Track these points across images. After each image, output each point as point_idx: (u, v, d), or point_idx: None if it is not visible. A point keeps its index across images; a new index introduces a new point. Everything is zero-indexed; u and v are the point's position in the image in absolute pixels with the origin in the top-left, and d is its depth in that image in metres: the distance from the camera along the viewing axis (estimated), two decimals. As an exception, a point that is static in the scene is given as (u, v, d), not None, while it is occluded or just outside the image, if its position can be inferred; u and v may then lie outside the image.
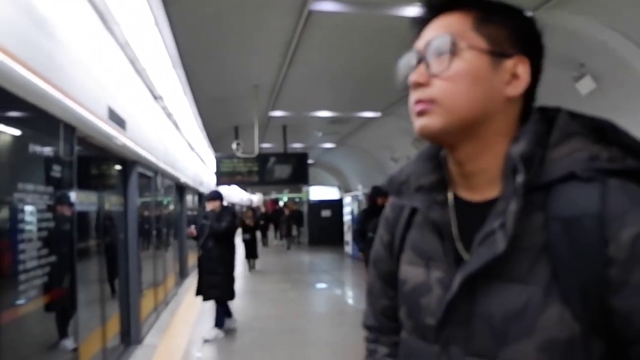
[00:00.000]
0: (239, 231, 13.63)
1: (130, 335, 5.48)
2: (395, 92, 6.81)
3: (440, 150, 0.93)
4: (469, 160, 0.84)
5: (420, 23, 0.86)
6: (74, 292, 3.28)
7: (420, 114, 0.81)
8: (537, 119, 0.81)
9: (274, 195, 39.77)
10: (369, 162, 15.00)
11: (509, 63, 0.80)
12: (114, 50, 4.46)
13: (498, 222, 0.75)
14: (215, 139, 12.24)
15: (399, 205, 1.00)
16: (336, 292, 9.85)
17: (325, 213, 18.68)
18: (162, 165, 6.86)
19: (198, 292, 6.04)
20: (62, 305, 3.19)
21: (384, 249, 1.02)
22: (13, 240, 2.44)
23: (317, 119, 10.68)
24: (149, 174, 6.41)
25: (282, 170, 10.11)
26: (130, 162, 5.46)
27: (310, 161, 12.39)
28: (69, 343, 3.26)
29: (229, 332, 6.11)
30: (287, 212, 19.69)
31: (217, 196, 6.24)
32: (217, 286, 5.83)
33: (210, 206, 6.12)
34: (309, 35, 5.53)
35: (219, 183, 10.08)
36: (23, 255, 2.51)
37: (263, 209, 30.07)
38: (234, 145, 9.51)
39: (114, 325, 5.09)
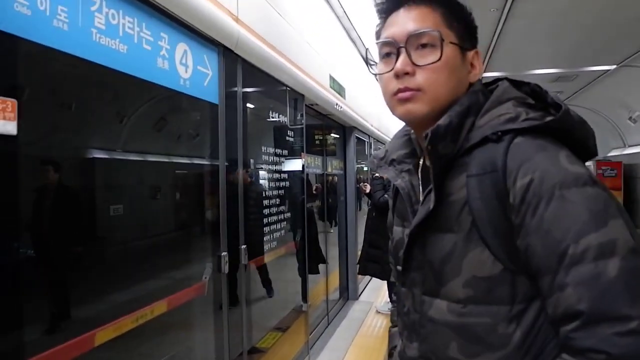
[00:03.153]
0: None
1: (348, 291, 5.89)
2: (637, 40, 5.77)
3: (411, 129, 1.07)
4: None
5: (387, 11, 0.95)
6: (304, 246, 3.63)
7: (406, 100, 0.90)
8: (472, 92, 0.92)
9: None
10: (601, 124, 13.09)
11: (469, 55, 0.94)
12: (331, 21, 4.68)
13: (432, 184, 0.89)
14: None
15: None
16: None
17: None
18: (375, 131, 7.07)
19: (359, 262, 5.37)
20: (296, 256, 3.57)
21: (392, 215, 1.16)
22: (256, 198, 2.78)
23: (537, 77, 9.65)
24: (364, 138, 6.67)
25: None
26: (348, 128, 5.75)
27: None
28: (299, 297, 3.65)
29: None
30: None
31: None
32: (376, 261, 5.01)
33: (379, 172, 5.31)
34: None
35: (429, 148, 9.99)
36: (266, 211, 2.86)
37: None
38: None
39: (334, 281, 5.53)
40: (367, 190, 5.41)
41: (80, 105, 1.53)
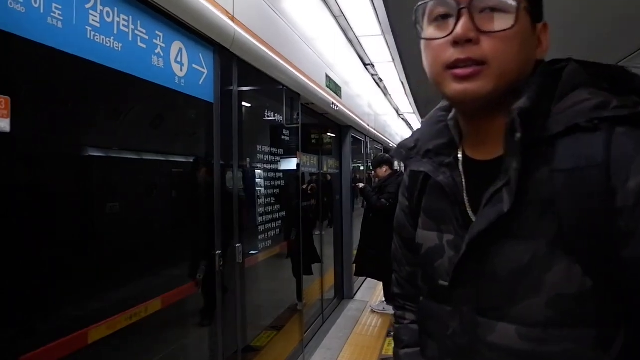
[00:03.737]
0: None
1: (343, 290, 5.91)
2: (635, 39, 5.80)
3: (448, 112, 0.93)
4: (486, 121, 0.80)
5: None
6: (299, 246, 3.64)
7: (466, 77, 0.72)
8: (543, 72, 0.78)
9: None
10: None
11: (538, 27, 0.79)
12: (328, 21, 4.68)
13: (504, 180, 0.73)
14: (422, 105, 12.09)
15: (414, 171, 0.96)
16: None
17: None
18: (372, 130, 7.08)
19: (355, 262, 5.43)
20: (290, 256, 3.57)
21: (405, 215, 1.02)
22: (251, 197, 2.78)
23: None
24: (360, 138, 6.68)
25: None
26: (344, 127, 5.76)
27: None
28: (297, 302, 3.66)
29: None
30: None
31: (382, 160, 5.27)
32: (372, 261, 4.97)
33: (376, 173, 5.30)
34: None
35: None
36: (261, 209, 2.86)
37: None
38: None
39: (329, 280, 5.55)
40: (360, 185, 5.44)
41: (75, 103, 1.53)
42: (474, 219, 0.79)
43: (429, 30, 0.78)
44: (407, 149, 0.93)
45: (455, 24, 0.72)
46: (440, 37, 0.74)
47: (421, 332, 0.95)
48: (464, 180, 0.84)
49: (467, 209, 0.81)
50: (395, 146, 0.97)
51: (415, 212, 0.97)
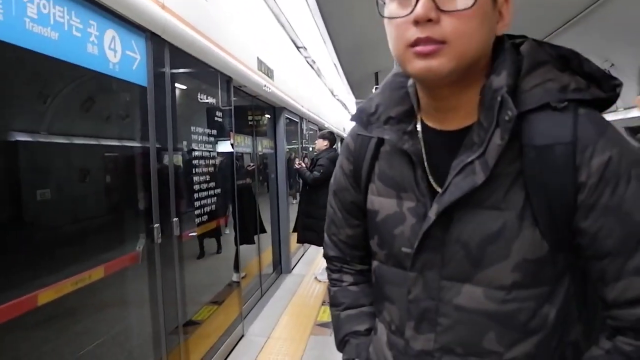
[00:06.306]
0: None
1: (281, 265, 6.16)
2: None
3: (407, 78, 0.92)
4: (452, 96, 0.81)
5: None
6: (235, 221, 3.82)
7: (427, 55, 0.72)
8: (510, 49, 0.80)
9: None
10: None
11: (499, 1, 0.78)
12: (260, 5, 4.81)
13: (477, 152, 0.76)
14: (356, 85, 12.44)
15: (362, 135, 0.98)
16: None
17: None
18: (306, 111, 7.30)
19: (294, 230, 5.93)
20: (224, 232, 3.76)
21: (346, 178, 1.02)
22: (189, 176, 2.94)
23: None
24: (295, 119, 6.89)
25: (422, 115, 9.94)
26: (278, 108, 5.95)
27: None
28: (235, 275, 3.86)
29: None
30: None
31: (325, 136, 5.71)
32: (312, 229, 5.49)
33: (317, 145, 5.77)
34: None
35: (359, 129, 10.30)
36: (196, 186, 3.03)
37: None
38: (374, 91, 9.58)
39: (267, 256, 5.77)
40: (301, 167, 5.70)
41: (19, 90, 1.64)
42: (438, 189, 0.82)
43: (391, 6, 0.76)
44: (367, 115, 0.92)
45: (416, 3, 0.71)
46: (401, 16, 0.74)
47: (377, 296, 0.98)
48: (423, 149, 0.86)
49: (429, 178, 0.84)
50: (357, 109, 0.96)
51: (359, 176, 0.98)
